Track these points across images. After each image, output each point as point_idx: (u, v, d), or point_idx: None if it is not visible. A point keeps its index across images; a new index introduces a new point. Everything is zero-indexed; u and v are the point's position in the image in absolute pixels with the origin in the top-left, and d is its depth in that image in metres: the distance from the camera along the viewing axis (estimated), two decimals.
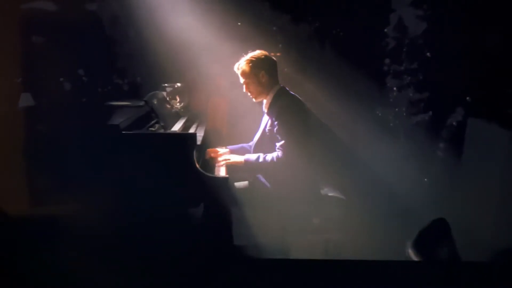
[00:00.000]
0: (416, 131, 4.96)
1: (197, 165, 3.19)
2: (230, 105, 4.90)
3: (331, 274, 3.04)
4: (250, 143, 3.80)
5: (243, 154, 3.64)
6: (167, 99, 4.14)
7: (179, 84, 4.46)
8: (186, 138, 3.22)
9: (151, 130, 3.37)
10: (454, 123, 4.86)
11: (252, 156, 3.52)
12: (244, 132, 4.20)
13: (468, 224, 4.05)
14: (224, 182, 3.20)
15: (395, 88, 5.01)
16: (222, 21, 4.65)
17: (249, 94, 3.59)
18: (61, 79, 4.69)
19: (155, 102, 3.77)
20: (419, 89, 4.99)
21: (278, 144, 3.43)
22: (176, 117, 4.04)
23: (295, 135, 3.40)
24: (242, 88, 3.58)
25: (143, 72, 4.89)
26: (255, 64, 3.51)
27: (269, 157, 3.44)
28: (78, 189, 3.26)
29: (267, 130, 3.55)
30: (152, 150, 3.18)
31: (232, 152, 3.79)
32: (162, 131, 3.41)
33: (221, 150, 3.83)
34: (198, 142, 3.27)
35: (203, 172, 3.21)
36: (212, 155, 3.73)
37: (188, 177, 3.18)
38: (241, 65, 3.54)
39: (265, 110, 3.62)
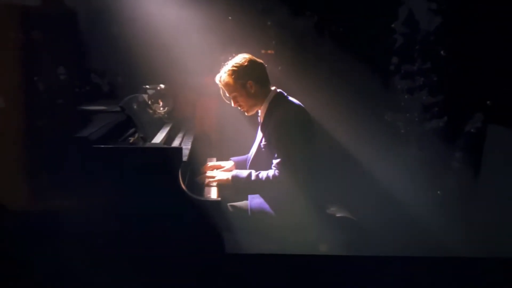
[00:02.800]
0: (430, 139, 4.61)
1: (183, 186, 2.64)
2: (220, 107, 4.48)
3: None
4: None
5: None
6: (149, 103, 3.73)
7: (162, 86, 4.01)
8: (169, 153, 2.66)
9: (128, 142, 2.82)
10: (472, 130, 4.51)
11: (242, 173, 3.03)
12: (236, 138, 4.01)
13: (487, 242, 3.79)
14: (215, 206, 2.65)
15: (405, 91, 4.68)
16: (211, 15, 4.31)
17: (239, 108, 3.14)
18: (35, 78, 4.22)
19: (135, 107, 3.32)
20: (433, 92, 4.63)
21: (274, 162, 2.95)
22: (159, 124, 3.58)
23: (294, 151, 2.93)
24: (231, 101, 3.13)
25: (125, 71, 4.55)
26: (239, 74, 3.03)
27: (263, 174, 2.96)
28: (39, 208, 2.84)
29: (262, 146, 3.09)
30: (127, 167, 2.64)
31: (237, 165, 3.31)
32: (141, 143, 2.84)
33: (225, 164, 3.35)
34: (185, 158, 2.72)
35: (190, 194, 2.67)
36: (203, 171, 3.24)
37: (171, 200, 2.65)
38: (223, 77, 3.06)
39: (260, 120, 3.17)
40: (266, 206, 2.98)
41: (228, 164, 3.33)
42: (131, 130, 2.94)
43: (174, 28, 4.24)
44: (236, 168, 3.26)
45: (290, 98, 3.11)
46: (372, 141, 4.46)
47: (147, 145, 2.78)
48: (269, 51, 4.62)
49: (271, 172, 2.93)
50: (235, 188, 3.01)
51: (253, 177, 2.96)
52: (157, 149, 2.72)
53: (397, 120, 4.71)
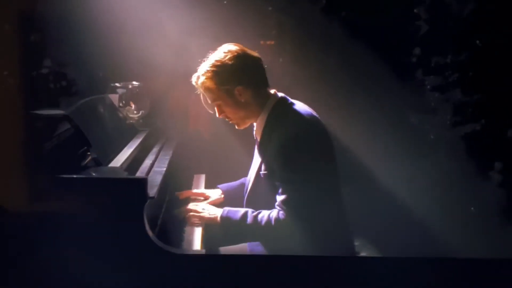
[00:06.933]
0: (464, 145, 4.23)
1: (150, 234, 1.89)
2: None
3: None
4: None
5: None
6: (119, 105, 3.11)
7: (135, 83, 3.35)
8: (126, 188, 1.89)
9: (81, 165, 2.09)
10: None
11: (236, 213, 2.28)
12: (234, 139, 3.53)
13: None
14: (197, 260, 1.90)
15: (435, 88, 4.28)
16: None
17: (227, 120, 2.39)
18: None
19: (101, 111, 2.65)
20: (468, 90, 4.24)
21: (278, 199, 2.20)
22: (131, 133, 2.88)
23: (306, 184, 2.18)
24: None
25: (107, 65, 3.99)
26: (222, 77, 2.25)
27: (263, 215, 2.23)
28: None
29: (262, 175, 2.33)
30: (70, 207, 1.88)
31: (226, 195, 2.60)
32: (92, 168, 2.08)
33: (209, 192, 2.62)
34: (153, 191, 1.95)
35: (162, 245, 1.92)
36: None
37: (134, 254, 1.90)
38: (201, 80, 2.28)
39: (256, 138, 2.41)
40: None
41: (214, 194, 2.61)
42: (80, 150, 2.18)
43: (163, 15, 3.80)
44: (225, 200, 2.54)
45: (297, 105, 2.35)
46: (394, 148, 4.07)
47: (98, 172, 1.96)
48: (268, 42, 4.24)
49: (274, 213, 2.20)
50: (224, 232, 2.28)
51: (249, 219, 2.21)
52: (109, 181, 1.90)
53: (425, 124, 4.31)
